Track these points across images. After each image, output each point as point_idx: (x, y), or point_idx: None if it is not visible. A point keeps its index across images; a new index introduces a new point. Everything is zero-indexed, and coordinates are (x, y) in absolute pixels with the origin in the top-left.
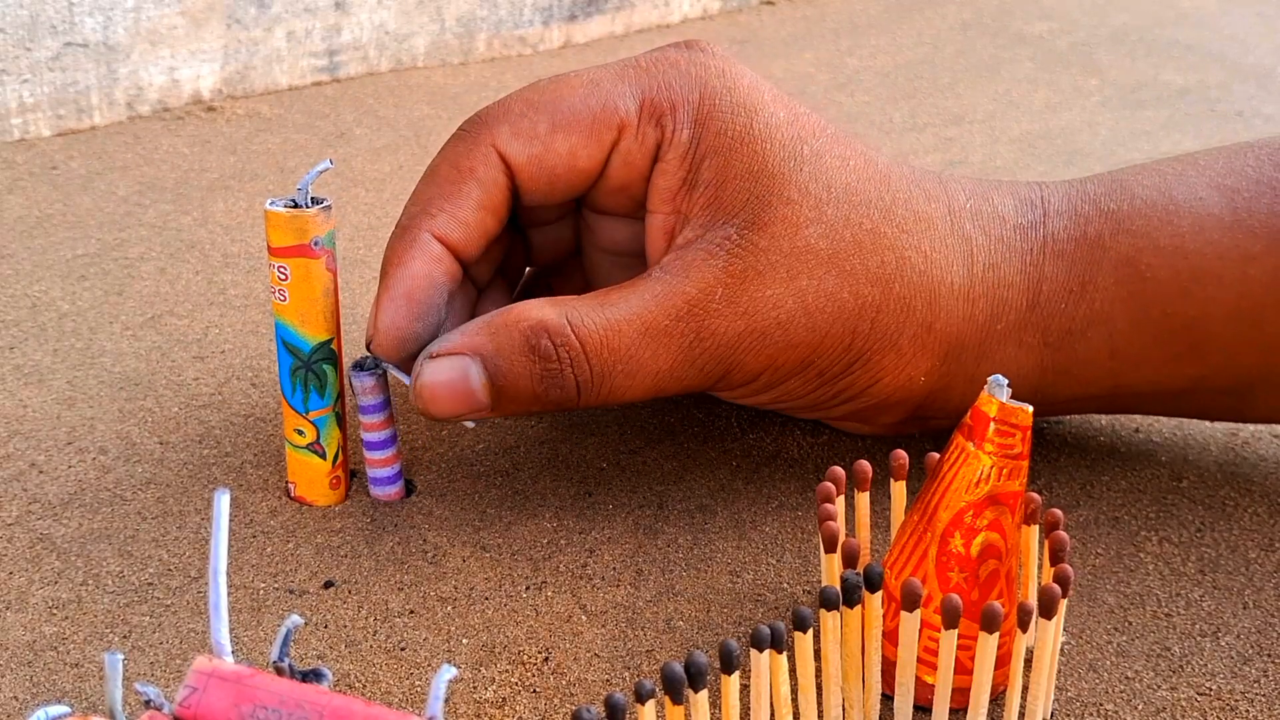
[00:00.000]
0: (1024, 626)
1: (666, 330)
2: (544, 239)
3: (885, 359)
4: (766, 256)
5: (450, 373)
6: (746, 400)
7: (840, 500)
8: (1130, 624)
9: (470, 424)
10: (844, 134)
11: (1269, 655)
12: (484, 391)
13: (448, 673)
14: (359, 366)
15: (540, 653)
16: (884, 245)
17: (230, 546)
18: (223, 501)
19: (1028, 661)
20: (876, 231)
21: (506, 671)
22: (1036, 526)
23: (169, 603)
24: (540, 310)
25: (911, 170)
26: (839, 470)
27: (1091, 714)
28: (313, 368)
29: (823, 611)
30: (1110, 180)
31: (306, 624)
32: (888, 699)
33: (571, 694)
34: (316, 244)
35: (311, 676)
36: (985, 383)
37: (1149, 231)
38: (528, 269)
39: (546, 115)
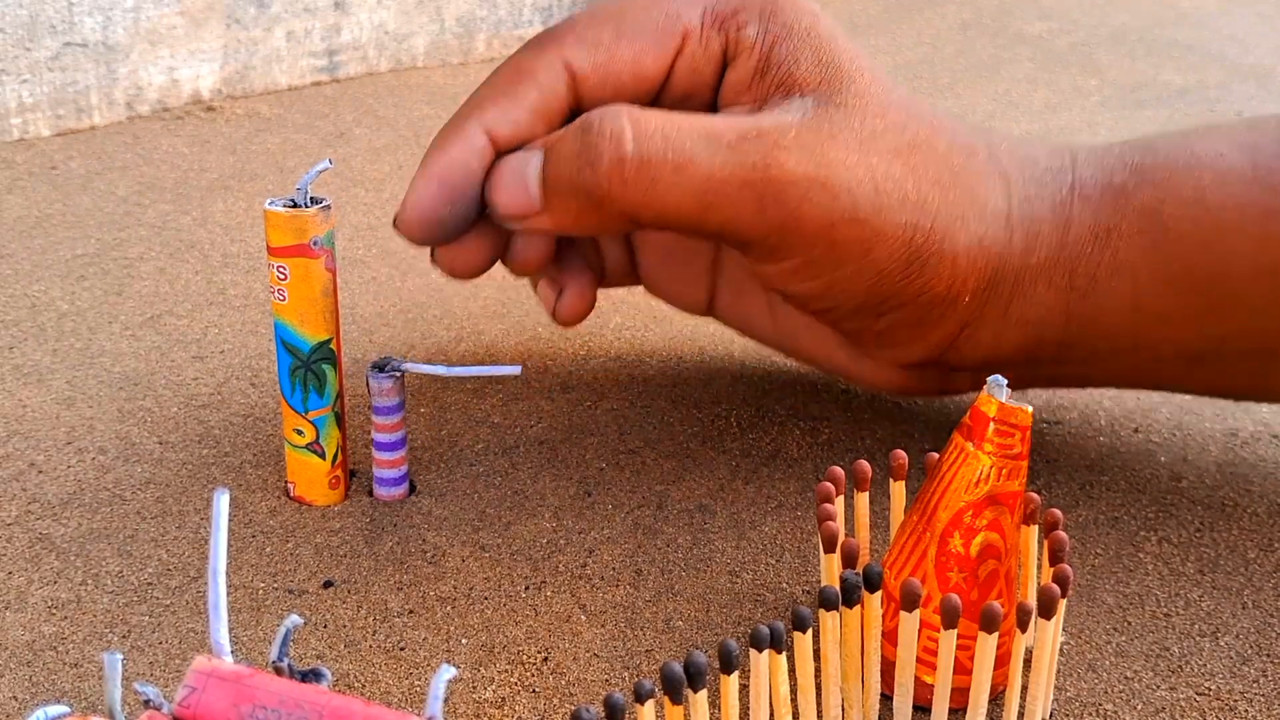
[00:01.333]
0: (1023, 626)
1: (731, 144)
2: None
3: (941, 266)
4: (844, 124)
5: (514, 162)
6: (796, 287)
7: (840, 500)
8: (1129, 624)
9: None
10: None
11: (1268, 655)
12: (535, 181)
13: (447, 673)
14: (378, 368)
15: (539, 653)
16: (939, 154)
17: (229, 546)
18: (222, 501)
19: (1027, 661)
20: (932, 140)
21: (506, 671)
22: (1036, 526)
23: (168, 602)
24: (613, 105)
25: (945, 112)
26: (838, 470)
27: (1091, 714)
28: (312, 368)
29: (822, 611)
30: (1135, 141)
31: (306, 624)
32: (887, 699)
33: (571, 694)
34: (316, 244)
35: (311, 676)
36: (986, 382)
37: (1171, 182)
38: None
39: (612, 25)
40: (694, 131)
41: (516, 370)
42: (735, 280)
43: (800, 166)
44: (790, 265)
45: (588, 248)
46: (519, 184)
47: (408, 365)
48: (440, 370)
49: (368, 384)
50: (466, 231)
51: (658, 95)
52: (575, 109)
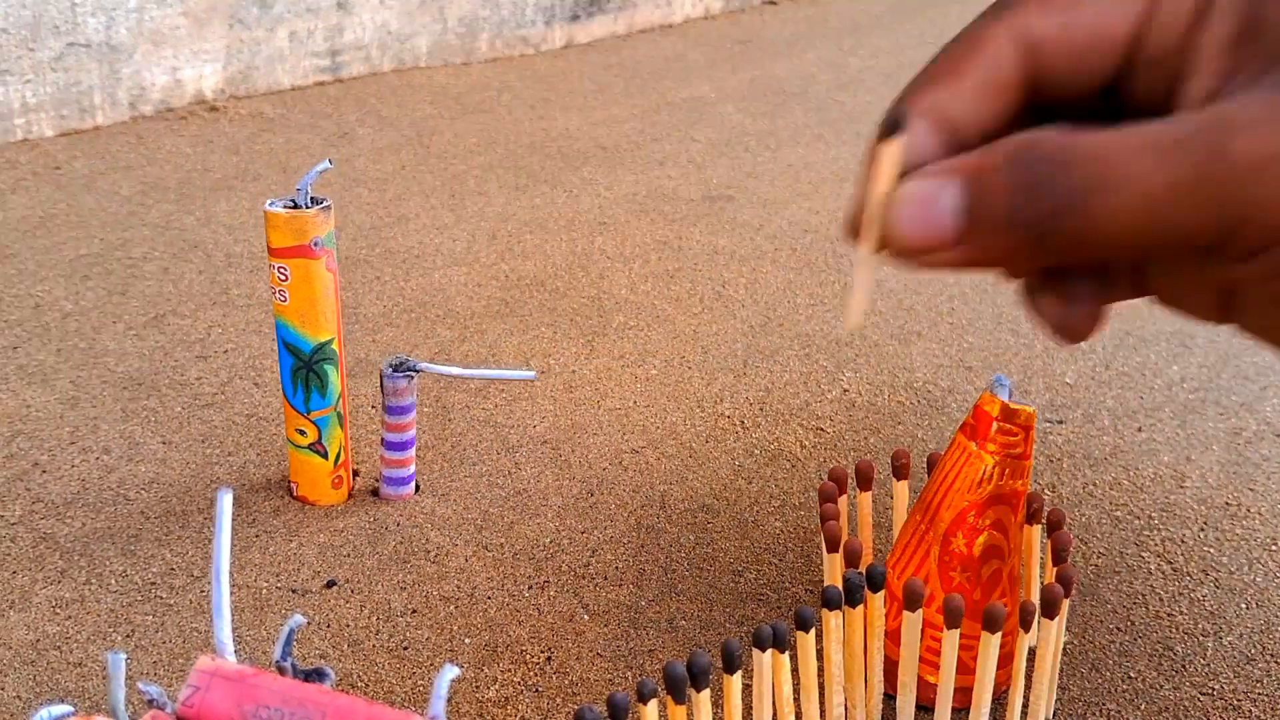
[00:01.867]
0: (1026, 626)
1: (1177, 143)
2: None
3: None
4: None
5: (924, 191)
6: (1266, 285)
7: (842, 500)
8: (1133, 623)
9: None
10: None
11: (1272, 655)
12: (952, 216)
13: (450, 672)
14: (394, 367)
15: (543, 652)
16: None
17: (233, 546)
18: (225, 501)
19: (1030, 661)
20: None
21: (509, 671)
22: (1039, 526)
23: (172, 602)
24: (1036, 130)
25: None
26: (841, 470)
27: (1094, 713)
28: (314, 368)
29: (825, 611)
30: None
31: (309, 623)
32: (890, 698)
33: (574, 693)
34: (316, 244)
35: (314, 676)
36: (989, 382)
37: None
38: None
39: None
40: (1136, 144)
41: (532, 375)
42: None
43: (1266, 145)
44: (1260, 264)
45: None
46: (932, 216)
47: (424, 365)
48: (456, 371)
49: (382, 384)
50: None
51: (1121, 64)
52: (1029, 80)
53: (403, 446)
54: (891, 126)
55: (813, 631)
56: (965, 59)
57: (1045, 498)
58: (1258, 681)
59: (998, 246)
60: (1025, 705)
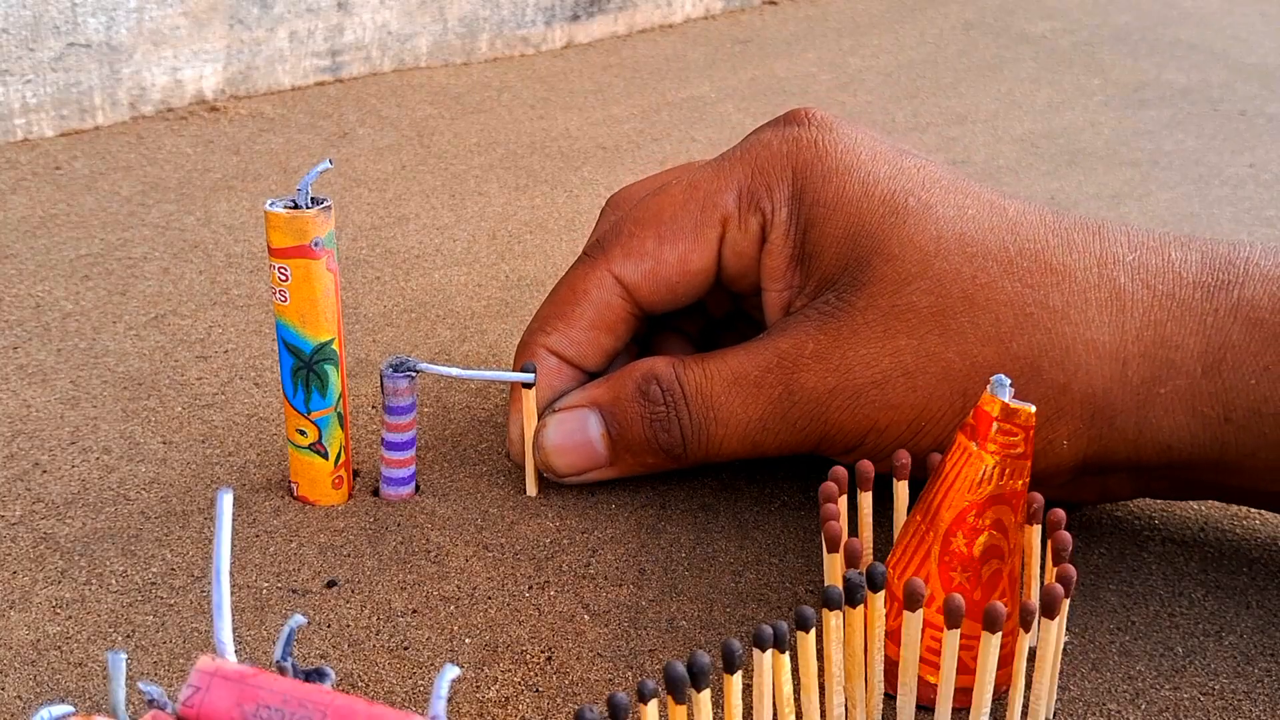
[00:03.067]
0: (1026, 626)
1: (755, 380)
2: (710, 301)
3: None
4: (862, 316)
5: (571, 424)
6: (883, 467)
7: (843, 500)
8: (1133, 623)
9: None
10: (964, 182)
11: (1272, 655)
12: (602, 442)
13: (450, 672)
14: (394, 367)
15: (543, 652)
16: (1000, 300)
17: (233, 546)
18: (225, 501)
19: (1030, 661)
20: (992, 285)
21: (509, 671)
22: (1039, 526)
23: (172, 602)
24: (653, 361)
25: (1056, 219)
26: (841, 470)
27: (1094, 713)
28: (314, 368)
29: (825, 611)
30: None
31: (309, 623)
32: (890, 698)
33: (574, 693)
34: (317, 244)
35: (314, 676)
36: (990, 382)
37: None
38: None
39: (653, 231)
40: (724, 380)
41: (530, 378)
42: None
43: (823, 383)
44: (854, 457)
45: None
46: (583, 445)
47: (424, 366)
48: (455, 372)
49: (382, 384)
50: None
51: (714, 280)
52: (636, 314)
53: (403, 446)
54: (529, 380)
55: (813, 631)
56: (573, 306)
57: (1044, 497)
58: (1258, 681)
59: (644, 463)
60: (1025, 705)
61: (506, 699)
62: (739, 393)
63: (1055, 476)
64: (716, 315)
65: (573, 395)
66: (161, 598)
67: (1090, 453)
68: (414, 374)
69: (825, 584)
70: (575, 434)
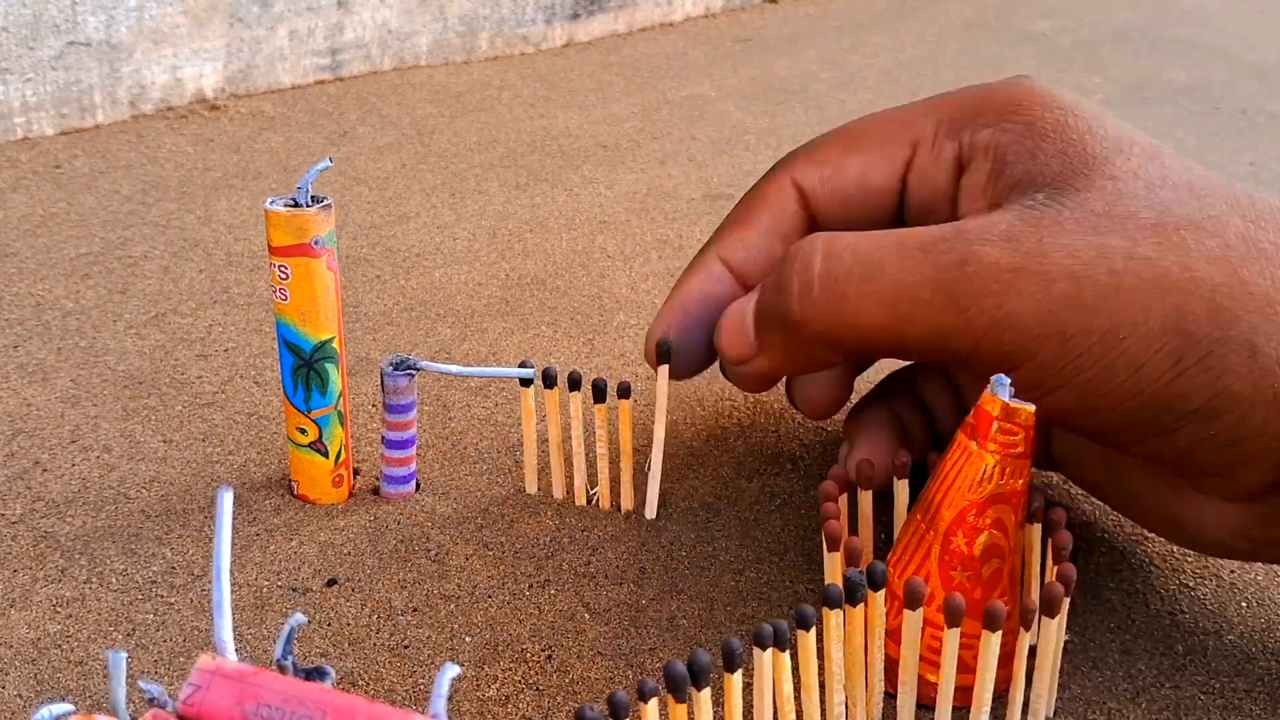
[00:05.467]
0: (1027, 625)
1: (924, 245)
2: None
3: (1232, 356)
4: (1070, 211)
5: (735, 307)
6: (1044, 402)
7: (843, 499)
8: (1133, 622)
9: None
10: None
11: (1273, 654)
12: (751, 322)
13: (451, 671)
14: (394, 365)
15: (543, 651)
16: (1231, 231)
17: (233, 544)
18: (226, 499)
19: (1031, 659)
20: (1221, 220)
21: (509, 669)
22: (1039, 525)
23: (172, 600)
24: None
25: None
26: (842, 470)
27: (1095, 712)
28: (314, 366)
29: (825, 610)
30: None
31: (310, 622)
32: (890, 697)
33: (574, 692)
34: (317, 243)
35: (314, 674)
36: (990, 381)
37: None
38: None
39: (841, 142)
40: (884, 241)
41: (530, 373)
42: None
43: (1006, 259)
44: (1023, 374)
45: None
46: (739, 328)
47: (424, 364)
48: (456, 369)
49: (382, 382)
50: (713, 359)
51: (897, 208)
52: (809, 223)
53: (403, 445)
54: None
55: (813, 630)
56: (750, 211)
57: (1045, 497)
58: (1258, 680)
59: (777, 344)
60: (1026, 704)
61: (507, 697)
62: (899, 253)
63: (1270, 456)
64: None
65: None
66: (162, 596)
67: None
68: (414, 372)
69: (825, 583)
70: (735, 316)
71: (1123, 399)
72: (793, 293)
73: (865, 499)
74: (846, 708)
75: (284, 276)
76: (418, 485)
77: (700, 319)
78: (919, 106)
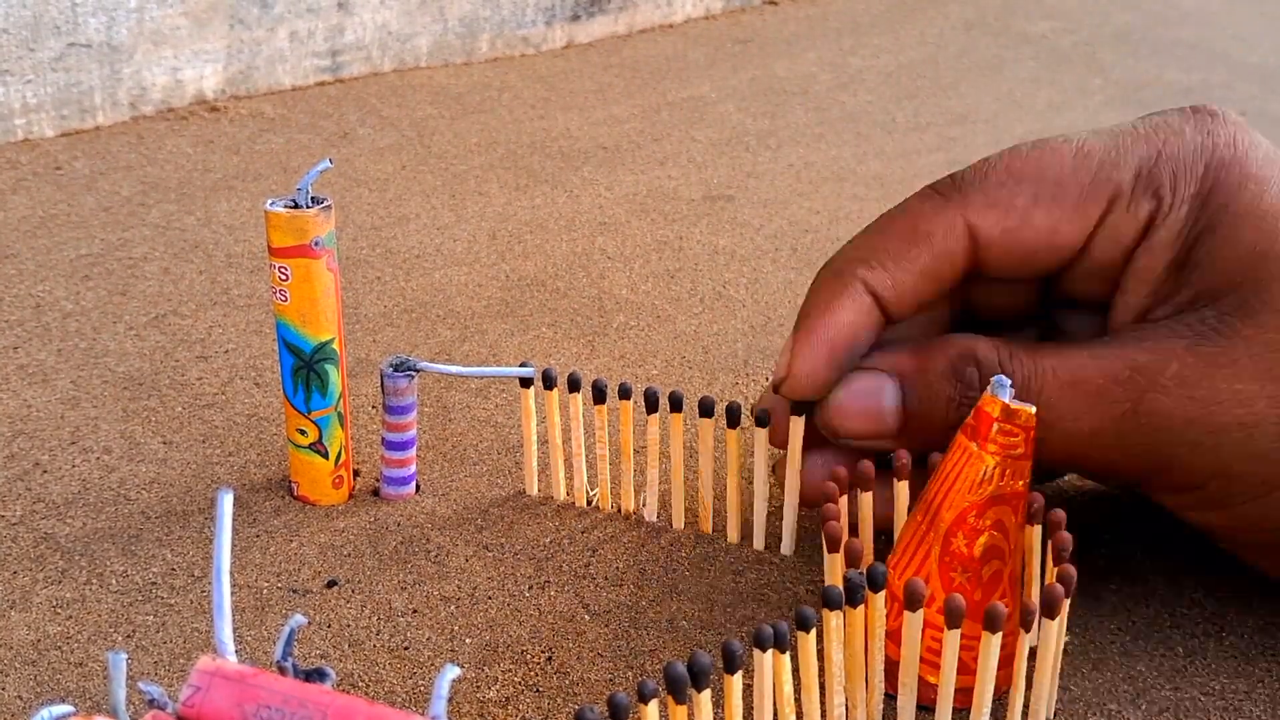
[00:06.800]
0: (1027, 626)
1: (1099, 390)
2: (993, 297)
3: None
4: (1246, 346)
5: (867, 387)
6: (1193, 515)
7: (843, 500)
8: (1134, 623)
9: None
10: None
11: (1273, 655)
12: (894, 415)
13: (451, 672)
14: (394, 367)
15: (543, 652)
16: None
17: (234, 546)
18: (226, 501)
19: (1031, 661)
20: None
21: (509, 671)
22: (1039, 526)
23: (173, 602)
24: (973, 340)
25: None
26: (842, 470)
27: (1095, 713)
28: (314, 368)
29: (825, 611)
30: None
31: (310, 623)
32: (891, 699)
33: (574, 693)
34: (317, 244)
35: (315, 676)
36: (990, 382)
37: None
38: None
39: (1029, 186)
40: (1061, 381)
41: (530, 372)
42: None
43: (1180, 410)
44: (1186, 500)
45: None
46: (873, 412)
47: (424, 365)
48: (456, 370)
49: (382, 383)
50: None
51: (1070, 262)
52: (970, 272)
53: (403, 446)
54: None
55: (813, 632)
56: (910, 246)
57: (1045, 498)
58: (1259, 681)
59: (934, 440)
60: (1026, 705)
61: (507, 699)
62: (1075, 398)
63: None
64: (1017, 311)
65: (874, 356)
66: (162, 598)
67: None
68: (414, 373)
69: (825, 584)
70: (868, 398)
71: (1274, 525)
72: (948, 416)
73: (865, 500)
74: (846, 709)
75: (284, 278)
76: (418, 487)
77: (847, 356)
78: (1108, 145)
